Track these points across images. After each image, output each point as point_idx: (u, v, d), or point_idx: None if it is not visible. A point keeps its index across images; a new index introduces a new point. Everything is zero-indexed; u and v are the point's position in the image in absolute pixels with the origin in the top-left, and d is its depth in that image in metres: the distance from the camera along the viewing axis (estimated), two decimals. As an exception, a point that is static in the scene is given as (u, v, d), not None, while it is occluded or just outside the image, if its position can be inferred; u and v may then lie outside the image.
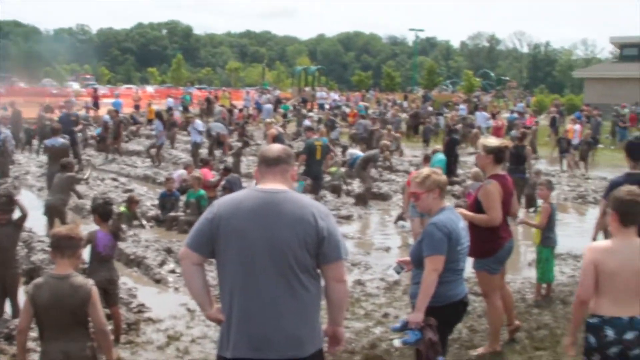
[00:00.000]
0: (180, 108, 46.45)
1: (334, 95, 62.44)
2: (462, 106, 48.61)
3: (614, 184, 8.44)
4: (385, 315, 10.02)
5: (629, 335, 5.54)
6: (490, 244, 8.03)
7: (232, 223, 4.67)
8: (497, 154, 8.21)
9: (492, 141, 8.51)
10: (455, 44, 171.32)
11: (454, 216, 6.36)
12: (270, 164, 4.92)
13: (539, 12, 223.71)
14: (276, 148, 5.06)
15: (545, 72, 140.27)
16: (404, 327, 6.11)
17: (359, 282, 11.62)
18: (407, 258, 6.63)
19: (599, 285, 5.60)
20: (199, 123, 26.83)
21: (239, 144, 26.82)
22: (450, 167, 20.15)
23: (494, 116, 37.38)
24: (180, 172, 19.24)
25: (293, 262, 4.62)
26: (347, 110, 48.04)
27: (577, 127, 29.48)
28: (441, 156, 17.44)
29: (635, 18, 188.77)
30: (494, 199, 7.93)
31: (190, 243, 4.79)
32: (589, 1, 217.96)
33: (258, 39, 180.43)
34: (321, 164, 18.66)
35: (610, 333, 5.56)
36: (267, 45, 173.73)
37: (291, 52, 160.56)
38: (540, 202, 11.51)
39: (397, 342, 6.31)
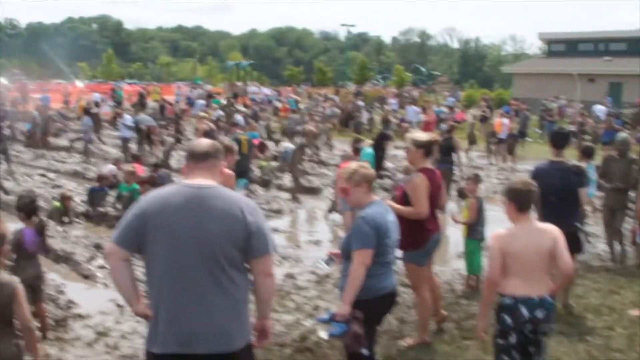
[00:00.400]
0: (111, 103, 45.76)
1: (266, 90, 62.30)
2: (393, 101, 48.95)
3: (538, 170, 9.44)
4: (316, 307, 10.09)
5: (540, 314, 6.01)
6: (418, 236, 8.14)
7: (159, 218, 4.66)
8: (427, 148, 8.33)
9: (422, 136, 8.63)
10: (387, 39, 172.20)
11: (383, 209, 6.41)
12: (198, 160, 4.93)
13: (469, 8, 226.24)
14: (204, 143, 5.07)
15: (476, 67, 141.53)
16: (331, 319, 6.16)
17: (289, 276, 11.69)
18: (338, 250, 6.69)
19: (508, 268, 6.04)
20: (127, 118, 26.58)
21: (171, 139, 26.65)
22: (379, 161, 20.28)
23: (424, 110, 37.66)
24: (109, 168, 19.04)
25: (221, 257, 4.63)
26: (279, 104, 48.00)
27: (506, 120, 29.86)
28: (369, 150, 17.59)
29: (563, 14, 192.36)
30: (421, 192, 8.03)
31: (117, 239, 4.76)
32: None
33: (190, 34, 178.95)
34: (248, 157, 18.67)
35: (524, 312, 6.00)
36: (199, 40, 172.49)
37: (223, 47, 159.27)
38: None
39: (323, 334, 6.37)
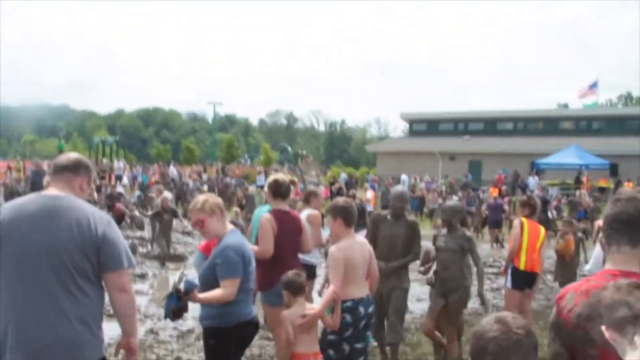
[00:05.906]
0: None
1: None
2: (261, 177, 49.41)
3: None
4: (178, 359, 10.06)
5: (371, 309, 7.26)
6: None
7: (10, 226, 4.57)
8: (273, 189, 8.55)
9: (279, 176, 8.83)
10: (255, 121, 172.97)
11: (242, 238, 6.50)
12: (56, 172, 4.94)
13: (334, 91, 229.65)
14: (66, 157, 5.06)
15: (341, 149, 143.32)
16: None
17: (151, 331, 11.66)
18: None
19: (347, 275, 6.93)
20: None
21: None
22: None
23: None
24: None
25: (71, 267, 4.55)
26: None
27: (369, 193, 31.03)
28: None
29: (424, 97, 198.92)
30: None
31: None
32: (381, 82, 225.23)
33: (55, 113, 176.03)
34: None
35: (362, 310, 6.99)
36: (65, 119, 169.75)
37: (90, 127, 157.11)
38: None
39: None
